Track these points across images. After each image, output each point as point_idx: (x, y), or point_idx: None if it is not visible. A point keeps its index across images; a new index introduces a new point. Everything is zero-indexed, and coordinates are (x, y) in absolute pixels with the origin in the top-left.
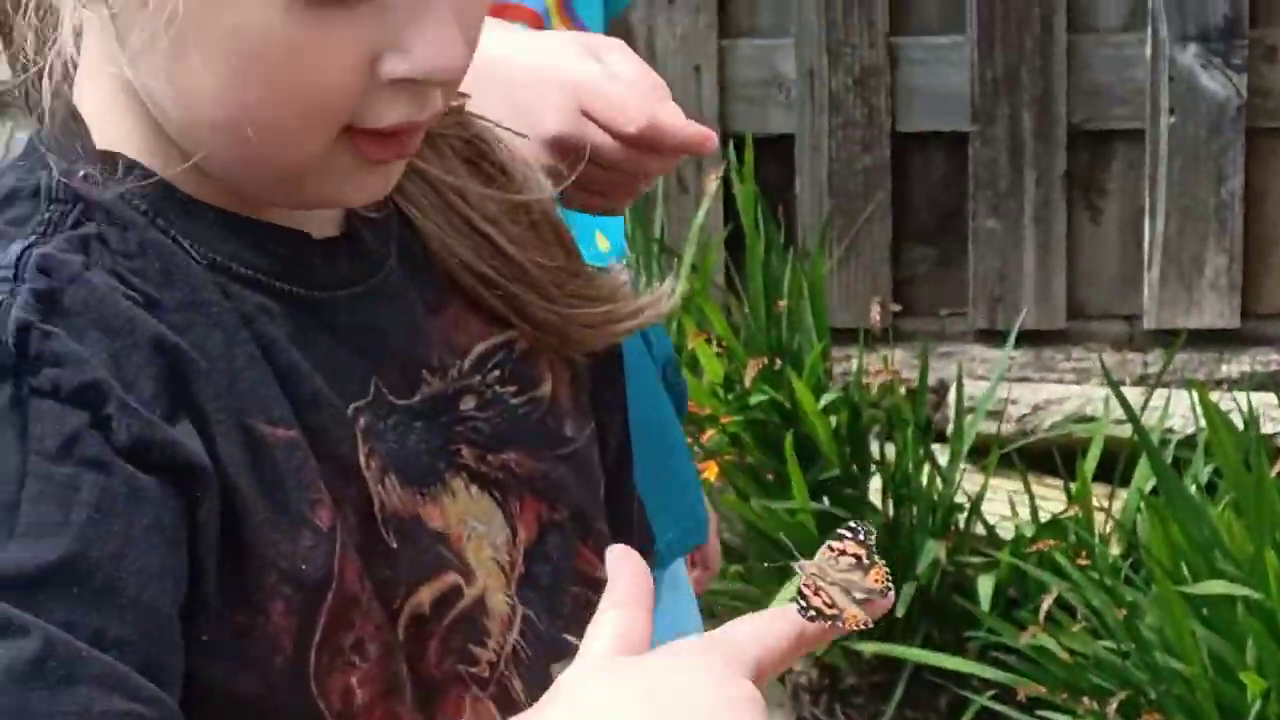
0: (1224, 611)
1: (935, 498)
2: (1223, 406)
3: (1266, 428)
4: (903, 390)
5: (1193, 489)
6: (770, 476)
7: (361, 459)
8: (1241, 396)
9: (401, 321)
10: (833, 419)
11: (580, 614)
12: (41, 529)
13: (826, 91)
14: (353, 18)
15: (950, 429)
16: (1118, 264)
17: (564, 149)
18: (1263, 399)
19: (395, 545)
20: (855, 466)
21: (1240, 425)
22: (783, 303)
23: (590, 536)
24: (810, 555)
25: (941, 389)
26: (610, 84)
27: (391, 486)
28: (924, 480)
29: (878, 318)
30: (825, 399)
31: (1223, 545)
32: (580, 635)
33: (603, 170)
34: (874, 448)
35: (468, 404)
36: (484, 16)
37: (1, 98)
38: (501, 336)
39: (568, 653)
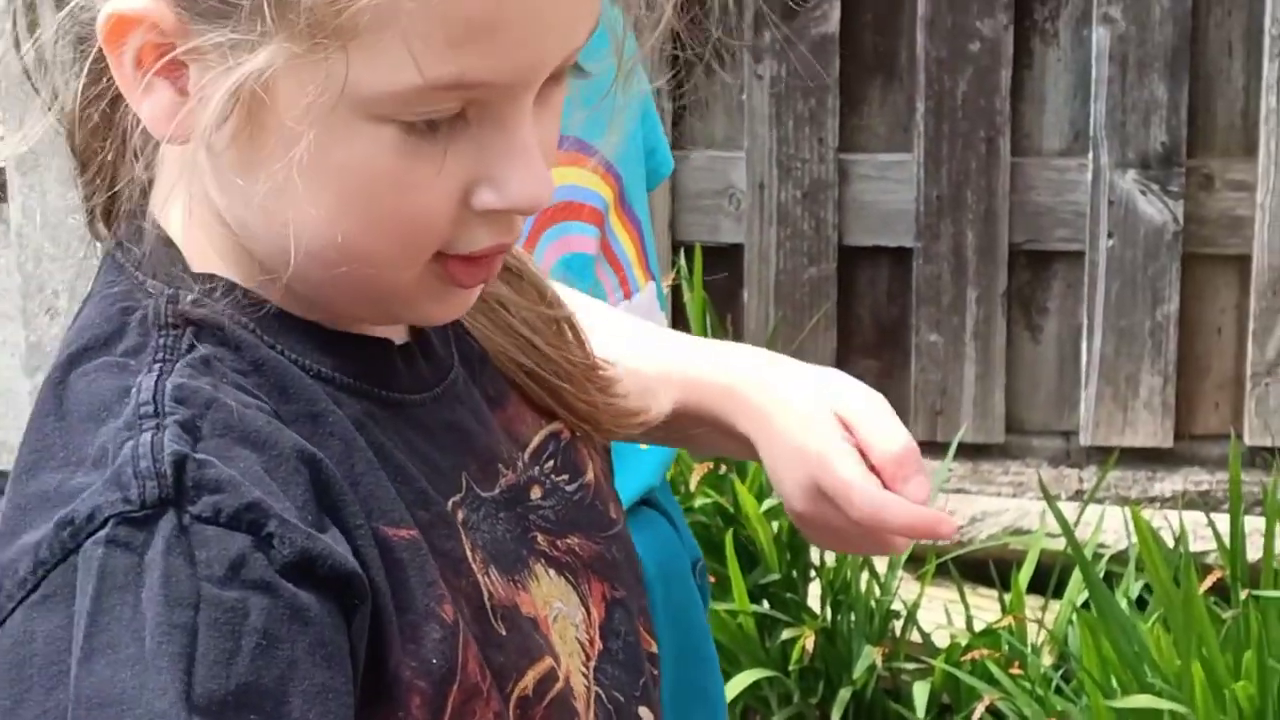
0: None
1: (873, 604)
2: (1154, 524)
3: (1196, 546)
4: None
5: (1124, 603)
6: (711, 579)
7: (468, 552)
8: (1173, 515)
9: (475, 419)
10: (774, 524)
11: (649, 690)
12: (218, 655)
13: (775, 203)
14: (451, 152)
15: None
16: (1055, 381)
17: (807, 523)
18: (1193, 517)
19: (505, 633)
20: (795, 571)
21: (1171, 543)
22: None
23: (642, 614)
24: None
25: None
26: (843, 469)
27: (495, 577)
28: (862, 587)
29: None
30: (767, 503)
31: (1151, 659)
32: (650, 709)
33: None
34: (814, 554)
35: (535, 493)
36: (556, 141)
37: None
38: (550, 428)
39: None
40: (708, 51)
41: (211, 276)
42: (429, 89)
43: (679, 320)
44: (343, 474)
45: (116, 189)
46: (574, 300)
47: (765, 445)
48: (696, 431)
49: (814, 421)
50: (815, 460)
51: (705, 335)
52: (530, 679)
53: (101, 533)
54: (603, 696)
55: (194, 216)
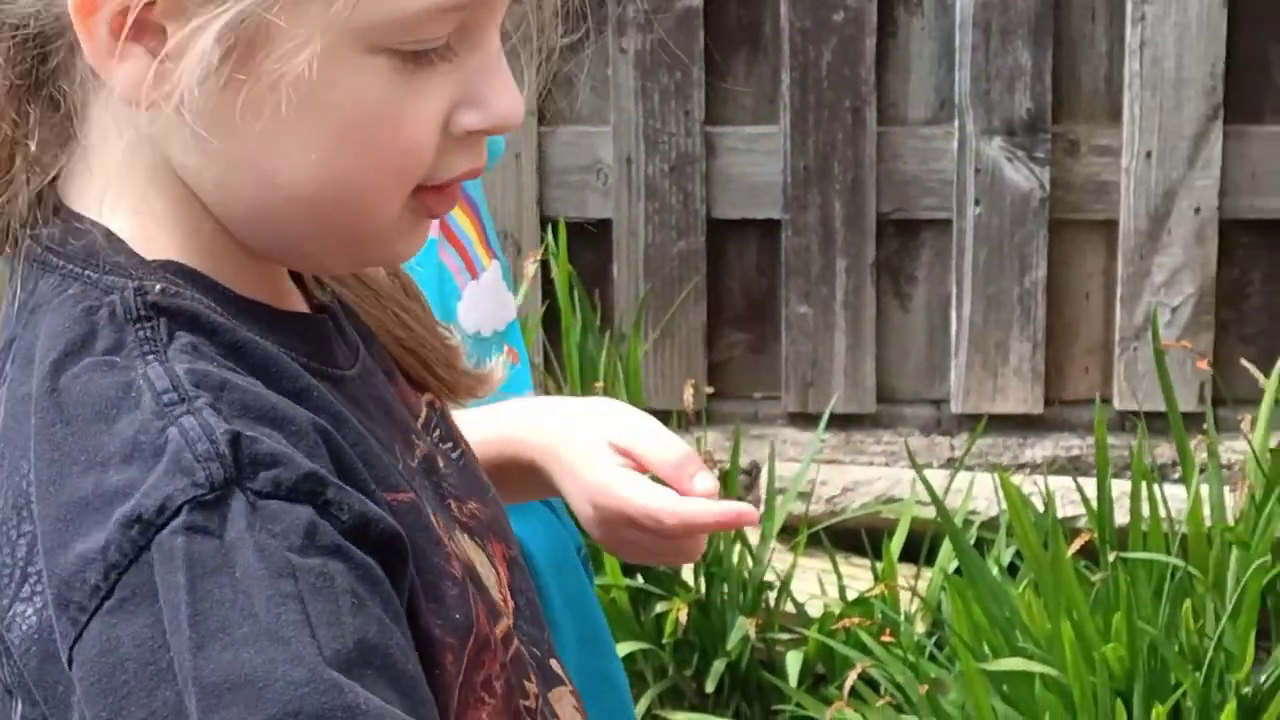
0: (1022, 688)
1: (745, 576)
2: (1024, 490)
3: (1065, 511)
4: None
5: (994, 569)
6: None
7: (431, 517)
8: (1043, 480)
9: (387, 392)
10: None
11: (553, 643)
12: (329, 617)
13: (643, 178)
14: (435, 77)
15: (761, 509)
16: (925, 350)
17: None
18: (1062, 483)
19: (477, 590)
20: None
21: (1040, 508)
22: (599, 384)
23: (528, 573)
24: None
25: (754, 470)
26: (627, 488)
27: (457, 538)
28: (735, 559)
29: (691, 400)
30: None
31: (1022, 623)
32: (558, 662)
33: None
34: None
35: (440, 462)
36: None
37: None
38: (426, 398)
39: (559, 682)
40: (569, 26)
41: (169, 263)
42: (437, 9)
43: (548, 295)
44: (346, 444)
45: (11, 193)
46: None
47: (561, 484)
48: (522, 481)
49: (593, 454)
50: (600, 489)
51: (573, 310)
52: (499, 634)
53: (177, 521)
54: (524, 652)
55: (144, 201)
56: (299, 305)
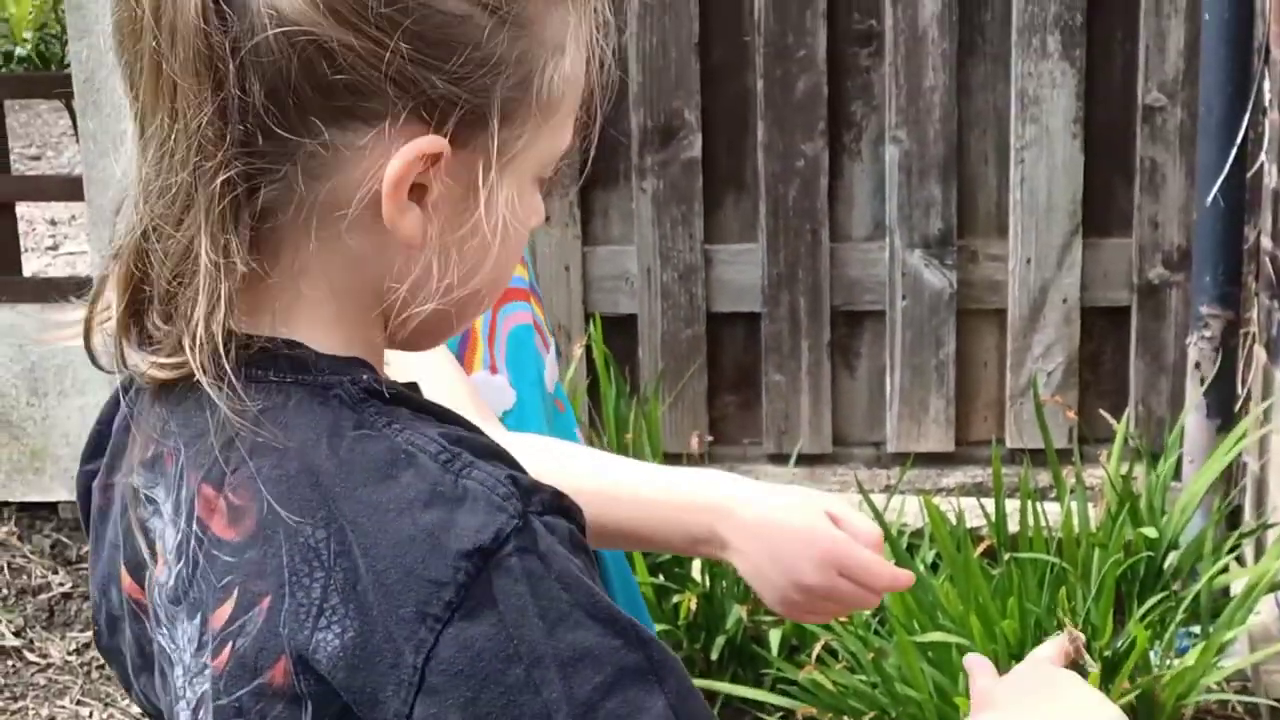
0: (943, 654)
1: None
2: (942, 508)
3: (972, 523)
4: None
5: (921, 568)
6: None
7: None
8: (955, 501)
9: None
10: None
11: None
12: (606, 600)
13: (659, 284)
14: (533, 197)
15: None
16: (867, 406)
17: (812, 593)
18: (969, 502)
19: None
20: None
21: (954, 522)
22: (629, 435)
23: None
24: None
25: None
26: (860, 551)
27: None
28: None
29: (697, 446)
30: None
31: (942, 606)
32: None
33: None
34: None
35: None
36: None
37: None
38: None
39: None
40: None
41: (354, 359)
42: (568, 144)
43: (591, 370)
44: None
45: (216, 320)
46: (549, 443)
47: (760, 545)
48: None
49: (819, 519)
50: (829, 541)
51: (610, 381)
52: None
53: (509, 546)
54: None
55: (344, 314)
56: None
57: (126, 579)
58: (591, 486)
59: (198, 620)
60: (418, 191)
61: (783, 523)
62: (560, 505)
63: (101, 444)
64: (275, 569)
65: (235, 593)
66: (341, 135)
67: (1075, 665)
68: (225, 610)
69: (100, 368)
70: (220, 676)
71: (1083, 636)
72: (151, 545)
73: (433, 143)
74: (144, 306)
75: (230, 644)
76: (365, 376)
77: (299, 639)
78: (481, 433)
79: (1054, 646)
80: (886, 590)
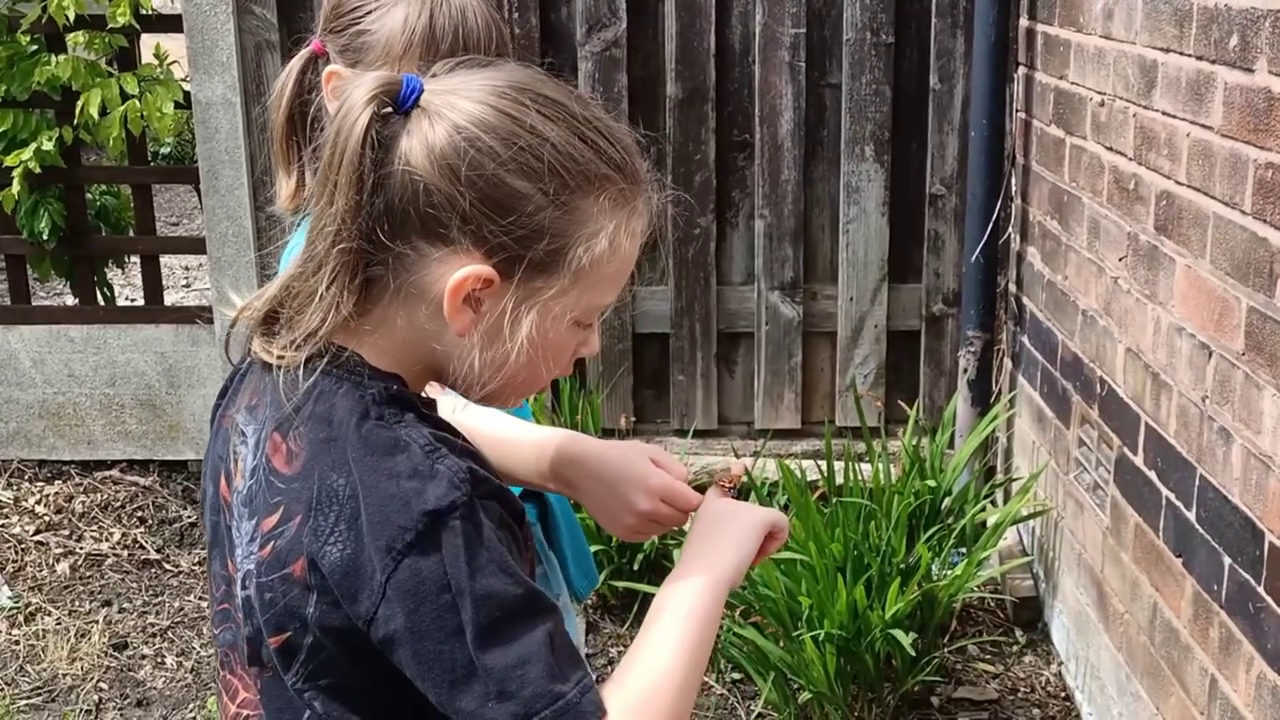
0: (790, 567)
1: None
2: (791, 468)
3: (811, 477)
4: None
5: (776, 508)
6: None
7: None
8: (800, 463)
9: None
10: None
11: None
12: (514, 560)
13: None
14: (583, 332)
15: None
16: (742, 397)
17: (642, 517)
18: (810, 464)
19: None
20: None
21: (800, 476)
22: (578, 417)
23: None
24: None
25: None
26: (676, 483)
27: None
28: None
29: (625, 424)
30: None
31: (793, 535)
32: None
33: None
34: None
35: None
36: None
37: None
38: None
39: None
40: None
41: (395, 376)
42: (608, 306)
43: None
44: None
45: (316, 336)
46: (480, 409)
47: (602, 477)
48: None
49: (645, 462)
50: (655, 477)
51: (565, 381)
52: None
53: (456, 513)
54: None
55: (404, 354)
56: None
57: (222, 482)
58: (487, 433)
59: (254, 522)
60: (473, 300)
61: (618, 465)
62: (497, 493)
63: (226, 390)
64: (307, 499)
65: (280, 509)
66: (425, 246)
67: (744, 488)
68: (272, 520)
69: (226, 355)
70: (262, 563)
71: (741, 465)
72: (237, 463)
73: (485, 270)
74: (275, 318)
75: (272, 543)
76: (395, 388)
77: (314, 548)
78: (463, 438)
79: (715, 490)
80: (692, 511)
